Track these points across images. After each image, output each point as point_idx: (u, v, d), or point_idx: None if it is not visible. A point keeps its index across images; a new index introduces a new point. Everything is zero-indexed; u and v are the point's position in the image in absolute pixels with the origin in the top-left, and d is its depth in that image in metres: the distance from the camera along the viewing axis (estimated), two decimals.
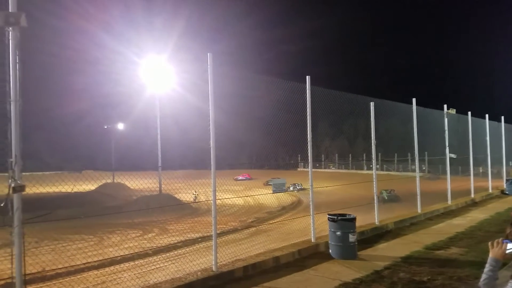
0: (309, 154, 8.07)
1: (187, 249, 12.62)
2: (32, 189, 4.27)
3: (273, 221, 17.41)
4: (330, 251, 7.64)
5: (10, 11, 4.12)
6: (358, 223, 7.92)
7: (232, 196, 23.97)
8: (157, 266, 10.07)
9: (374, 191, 10.23)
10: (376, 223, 10.00)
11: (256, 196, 25.29)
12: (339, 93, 10.31)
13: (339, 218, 7.53)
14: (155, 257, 11.47)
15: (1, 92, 4.06)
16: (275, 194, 7.98)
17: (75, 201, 26.05)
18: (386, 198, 28.50)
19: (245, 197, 27.29)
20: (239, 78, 8.07)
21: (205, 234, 14.23)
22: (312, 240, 8.12)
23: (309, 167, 8.13)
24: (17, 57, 4.13)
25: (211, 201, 6.44)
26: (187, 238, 14.58)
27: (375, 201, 10.07)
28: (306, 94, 8.06)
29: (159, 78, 35.43)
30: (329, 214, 7.71)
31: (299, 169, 59.54)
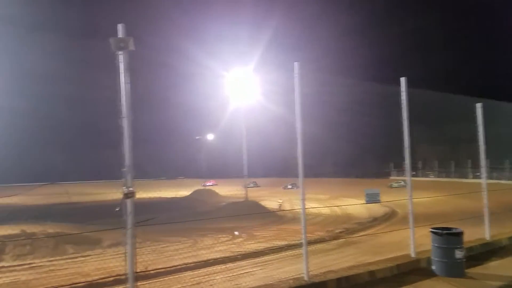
0: (406, 162, 7.58)
1: (274, 256, 12.64)
2: (142, 195, 4.65)
3: (364, 233, 16.57)
4: (433, 267, 7.03)
5: (120, 36, 4.55)
6: (465, 237, 7.13)
7: (321, 206, 23.53)
8: (246, 270, 10.27)
9: (485, 201, 9.10)
10: (487, 238, 8.88)
11: (340, 205, 24.54)
12: (438, 94, 9.49)
13: (444, 232, 6.93)
14: (244, 262, 11.73)
15: (115, 110, 4.52)
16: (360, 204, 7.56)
17: (172, 206, 28.23)
18: (405, 184, 38.72)
19: (331, 207, 26.64)
20: (325, 85, 7.90)
21: (291, 242, 14.16)
22: (412, 255, 7.53)
23: (407, 175, 7.62)
24: (127, 78, 4.56)
25: (296, 209, 6.36)
26: (273, 245, 14.64)
27: (485, 213, 8.95)
28: (401, 97, 7.55)
29: (244, 89, 36.81)
30: (432, 228, 7.15)
31: (391, 178, 56.32)
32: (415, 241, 7.61)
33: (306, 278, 6.07)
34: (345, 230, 18.23)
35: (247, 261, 11.68)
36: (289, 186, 47.21)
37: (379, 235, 13.76)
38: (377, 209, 22.06)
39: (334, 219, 23.80)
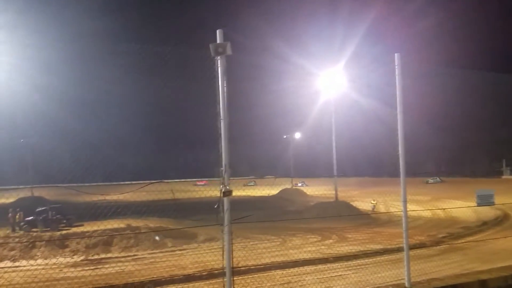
0: None
1: (368, 260, 12.06)
2: (234, 193, 4.70)
3: (471, 238, 14.95)
4: None
5: (218, 42, 4.63)
6: None
7: (422, 209, 21.91)
8: (338, 273, 9.95)
9: None
10: None
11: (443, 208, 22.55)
12: None
13: None
14: (335, 264, 11.40)
15: (213, 113, 4.60)
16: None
17: (261, 205, 28.97)
18: (440, 180, 46.95)
19: (433, 209, 24.68)
20: (428, 76, 7.23)
21: (387, 247, 13.34)
22: None
23: None
24: (225, 82, 4.63)
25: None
26: (367, 249, 14.01)
27: None
28: None
29: (335, 85, 35.61)
30: None
31: (503, 177, 50.00)
32: None
33: (407, 285, 5.64)
34: (448, 234, 16.76)
35: (339, 264, 11.34)
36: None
37: (490, 241, 12.28)
38: (486, 211, 19.75)
39: (436, 223, 22.18)
